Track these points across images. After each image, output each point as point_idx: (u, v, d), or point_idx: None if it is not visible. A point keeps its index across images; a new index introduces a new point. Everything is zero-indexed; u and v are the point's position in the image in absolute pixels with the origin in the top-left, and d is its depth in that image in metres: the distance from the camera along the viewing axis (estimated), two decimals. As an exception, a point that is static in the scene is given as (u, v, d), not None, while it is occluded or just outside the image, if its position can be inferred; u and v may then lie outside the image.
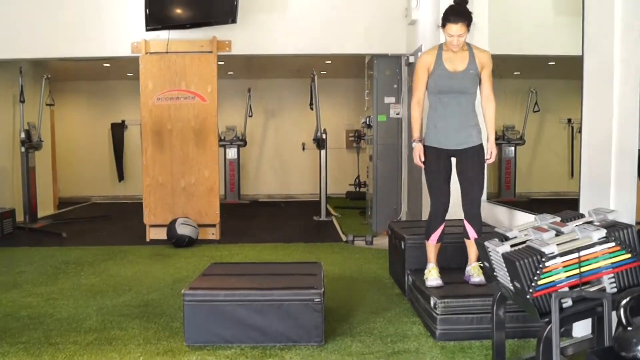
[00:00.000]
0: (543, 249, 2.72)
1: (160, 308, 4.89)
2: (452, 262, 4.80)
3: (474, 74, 4.37)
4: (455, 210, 6.36)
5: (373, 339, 4.10)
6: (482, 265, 4.19)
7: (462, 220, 4.54)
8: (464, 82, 4.37)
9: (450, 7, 4.36)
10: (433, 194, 4.54)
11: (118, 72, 12.42)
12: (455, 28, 4.22)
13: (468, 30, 4.28)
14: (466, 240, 4.53)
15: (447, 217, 4.59)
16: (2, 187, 9.60)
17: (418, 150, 4.45)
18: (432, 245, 4.57)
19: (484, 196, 6.14)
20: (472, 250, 4.48)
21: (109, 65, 11.15)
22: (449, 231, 4.82)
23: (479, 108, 4.52)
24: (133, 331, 4.31)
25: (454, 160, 4.53)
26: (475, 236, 4.40)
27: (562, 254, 2.75)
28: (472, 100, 4.45)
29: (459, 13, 4.27)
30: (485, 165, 4.53)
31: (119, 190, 14.48)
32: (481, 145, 4.47)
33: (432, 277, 4.44)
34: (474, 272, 4.43)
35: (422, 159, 4.44)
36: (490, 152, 4.42)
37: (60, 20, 8.10)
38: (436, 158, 4.46)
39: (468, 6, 4.38)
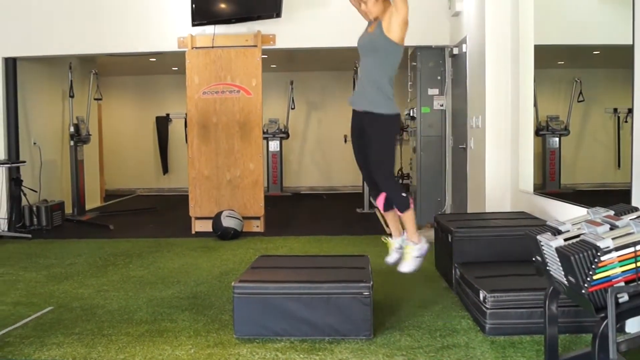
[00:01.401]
0: (598, 243, 2.68)
1: (209, 300, 4.95)
2: (506, 254, 4.77)
3: (378, 33, 4.08)
4: (506, 202, 6.34)
5: (422, 333, 4.10)
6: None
7: (515, 212, 4.47)
8: (368, 42, 4.16)
9: None
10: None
11: (163, 67, 12.57)
12: None
13: None
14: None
15: (497, 209, 4.50)
16: (51, 180, 9.81)
17: None
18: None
19: (531, 187, 6.08)
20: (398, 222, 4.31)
21: (154, 59, 11.29)
22: (504, 224, 4.81)
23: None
24: (183, 323, 4.37)
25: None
26: (399, 213, 4.18)
27: (617, 248, 2.70)
28: (379, 62, 4.13)
29: None
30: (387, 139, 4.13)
31: (163, 183, 14.69)
32: (383, 117, 4.08)
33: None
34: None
35: None
36: None
37: (109, 16, 8.28)
38: (352, 122, 4.27)
39: None
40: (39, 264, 6.45)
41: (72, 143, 9.84)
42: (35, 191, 8.96)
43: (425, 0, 8.10)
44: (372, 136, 4.06)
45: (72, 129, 9.77)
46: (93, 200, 11.28)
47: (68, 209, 9.76)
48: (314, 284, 3.98)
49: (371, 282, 3.98)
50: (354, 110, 4.22)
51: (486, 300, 3.99)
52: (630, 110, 3.92)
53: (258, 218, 8.22)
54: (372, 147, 4.07)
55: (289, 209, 10.86)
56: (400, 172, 12.50)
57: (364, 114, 4.12)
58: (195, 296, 5.09)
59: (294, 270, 4.43)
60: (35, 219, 8.71)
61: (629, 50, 3.89)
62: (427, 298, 4.90)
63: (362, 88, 4.18)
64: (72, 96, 9.81)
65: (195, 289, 5.33)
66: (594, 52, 9.48)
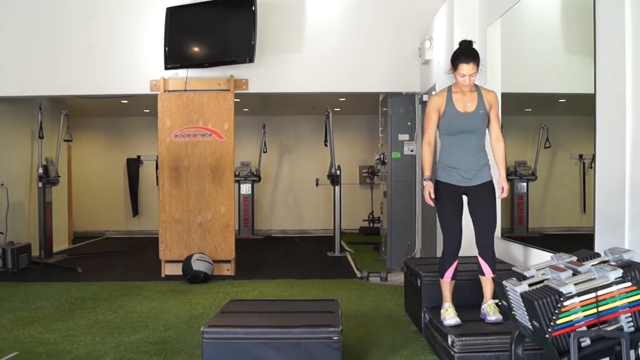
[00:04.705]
0: (561, 289, 2.75)
1: (178, 345, 4.91)
2: (469, 299, 4.80)
3: (483, 114, 4.46)
4: (471, 247, 6.40)
5: (390, 377, 4.11)
6: (499, 303, 4.22)
7: (477, 257, 4.56)
8: (474, 122, 4.45)
9: (460, 48, 4.47)
10: (446, 231, 4.59)
11: (135, 109, 12.58)
12: (467, 68, 4.32)
13: (478, 70, 4.38)
14: (481, 277, 4.54)
15: (463, 254, 4.62)
16: (18, 222, 9.69)
17: (429, 187, 4.48)
18: (446, 283, 4.57)
19: (498, 233, 6.17)
20: (488, 287, 4.48)
21: (126, 101, 11.31)
22: (465, 269, 4.85)
23: (488, 146, 4.59)
24: (151, 368, 4.33)
25: (465, 198, 4.59)
26: (490, 273, 4.42)
27: (579, 294, 2.77)
28: (482, 139, 4.54)
29: (469, 53, 4.37)
30: (497, 200, 4.57)
31: (133, 225, 14.55)
32: (492, 182, 4.55)
33: (450, 316, 4.42)
34: (490, 310, 4.42)
35: (432, 197, 4.48)
36: (502, 188, 4.48)
37: (80, 58, 8.29)
38: (448, 195, 4.52)
39: (475, 46, 4.49)
40: (4, 308, 6.33)
41: (40, 184, 9.73)
42: (2, 233, 8.84)
43: (396, 48, 8.30)
44: (491, 202, 4.61)
45: (40, 171, 9.69)
46: (61, 243, 11.13)
47: (35, 252, 9.61)
48: (283, 328, 3.98)
49: (340, 327, 3.99)
50: (452, 185, 4.59)
51: (454, 345, 4.03)
52: (594, 157, 4.04)
53: (229, 261, 8.19)
54: (490, 212, 4.60)
55: (260, 252, 10.82)
56: (370, 216, 12.60)
57: (474, 187, 4.58)
58: (164, 341, 5.04)
59: (263, 314, 4.42)
60: (0, 262, 8.57)
61: (591, 98, 4.02)
62: (397, 342, 4.92)
63: (470, 165, 4.53)
64: (41, 137, 9.75)
65: (164, 333, 5.28)
66: (560, 100, 9.72)
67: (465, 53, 4.38)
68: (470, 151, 4.47)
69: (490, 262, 4.47)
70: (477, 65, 4.36)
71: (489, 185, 4.53)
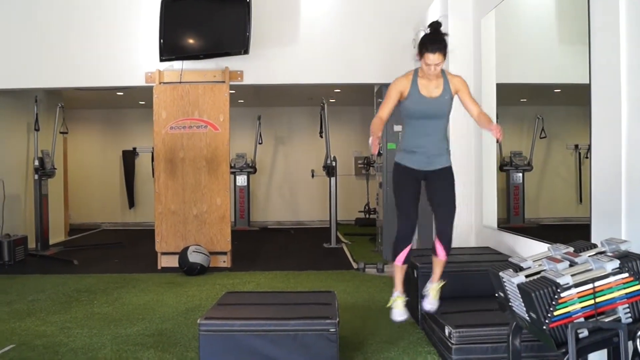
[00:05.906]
0: (558, 280, 2.74)
1: (174, 337, 4.91)
2: (471, 290, 4.81)
3: (448, 99, 4.29)
4: (471, 237, 6.42)
5: (388, 368, 4.11)
6: (443, 286, 4.27)
7: (479, 247, 4.53)
8: (439, 107, 4.29)
9: (427, 35, 4.26)
10: (402, 213, 4.45)
11: (130, 100, 12.54)
12: (433, 57, 4.12)
13: (444, 59, 4.20)
14: (434, 258, 4.44)
15: (462, 245, 4.60)
16: (14, 214, 9.66)
17: (376, 140, 4.13)
18: (398, 267, 4.42)
19: (495, 223, 6.18)
20: (438, 269, 4.41)
21: (121, 94, 11.26)
22: (468, 259, 4.86)
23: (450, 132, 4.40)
24: (148, 361, 4.33)
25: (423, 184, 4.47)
26: (444, 256, 4.34)
27: (577, 285, 2.77)
28: (445, 124, 4.40)
29: (436, 42, 4.16)
30: (455, 183, 4.42)
31: (129, 217, 14.54)
32: (451, 167, 4.43)
33: (397, 309, 4.35)
34: (432, 294, 4.38)
35: (378, 144, 4.16)
36: (497, 128, 4.08)
37: (76, 50, 8.25)
38: (407, 177, 4.39)
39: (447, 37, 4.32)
40: (0, 300, 6.32)
41: (36, 177, 9.71)
42: (-2, 226, 8.82)
43: (391, 39, 8.27)
44: (450, 186, 4.46)
45: (36, 163, 9.67)
46: (57, 235, 11.11)
47: (31, 244, 9.59)
48: (280, 320, 3.98)
49: (337, 319, 3.99)
50: (411, 169, 4.41)
51: (451, 336, 4.03)
52: (590, 147, 4.03)
53: (225, 253, 8.19)
54: (449, 196, 4.44)
55: (256, 244, 10.82)
56: (366, 207, 12.60)
57: (433, 171, 4.40)
58: (161, 333, 5.04)
59: (260, 306, 4.42)
60: (-4, 254, 8.56)
61: (586, 88, 4.01)
62: (394, 334, 4.91)
63: (430, 150, 4.36)
64: (37, 129, 9.73)
65: (161, 325, 5.28)
66: (555, 90, 9.70)
67: (432, 42, 4.17)
68: (432, 136, 4.32)
69: (447, 245, 4.35)
70: (444, 55, 4.16)
71: (449, 170, 4.40)
